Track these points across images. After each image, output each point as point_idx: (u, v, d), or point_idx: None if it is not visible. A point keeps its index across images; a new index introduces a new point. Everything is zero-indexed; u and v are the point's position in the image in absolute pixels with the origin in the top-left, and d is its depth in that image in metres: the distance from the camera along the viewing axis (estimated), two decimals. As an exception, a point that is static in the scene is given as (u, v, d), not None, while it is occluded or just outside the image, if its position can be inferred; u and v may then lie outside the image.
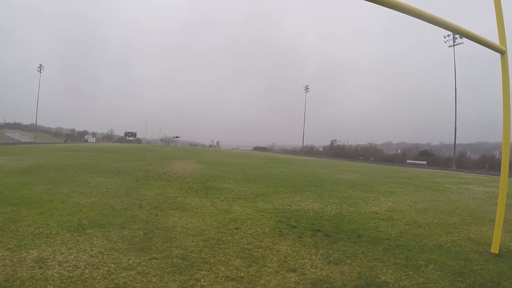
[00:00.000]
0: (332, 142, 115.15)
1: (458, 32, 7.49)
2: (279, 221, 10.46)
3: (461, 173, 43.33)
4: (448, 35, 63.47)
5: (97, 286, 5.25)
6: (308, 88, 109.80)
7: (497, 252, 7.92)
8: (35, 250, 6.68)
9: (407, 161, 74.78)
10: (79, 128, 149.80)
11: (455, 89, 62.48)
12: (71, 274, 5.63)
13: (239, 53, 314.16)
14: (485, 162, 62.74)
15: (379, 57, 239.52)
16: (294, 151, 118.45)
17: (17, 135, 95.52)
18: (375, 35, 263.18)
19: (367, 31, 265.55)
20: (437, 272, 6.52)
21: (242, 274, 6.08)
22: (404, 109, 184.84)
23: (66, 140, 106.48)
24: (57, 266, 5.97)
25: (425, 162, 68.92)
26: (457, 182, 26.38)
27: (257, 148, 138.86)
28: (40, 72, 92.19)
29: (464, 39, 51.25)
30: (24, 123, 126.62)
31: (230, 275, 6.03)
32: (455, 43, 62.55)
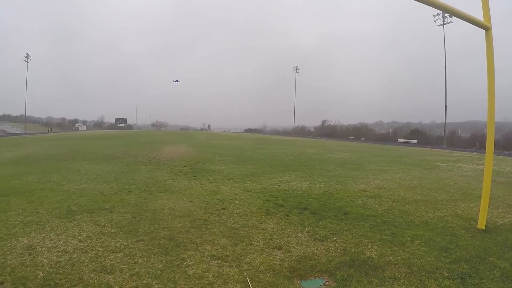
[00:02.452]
0: (323, 122, 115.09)
1: (445, 10, 7.57)
2: (267, 200, 10.64)
3: (452, 151, 43.66)
4: (438, 14, 63.00)
5: (85, 269, 5.39)
6: (298, 69, 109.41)
7: (483, 228, 8.09)
8: (25, 238, 6.79)
9: (398, 140, 74.85)
10: (70, 116, 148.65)
11: (445, 68, 62.41)
12: (59, 259, 5.77)
13: (231, 31, 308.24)
14: (476, 140, 63.02)
15: (371, 36, 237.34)
16: (286, 132, 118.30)
17: (7, 127, 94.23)
18: (368, 14, 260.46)
19: (361, 10, 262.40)
20: (423, 248, 6.69)
21: (227, 253, 6.25)
22: (395, 88, 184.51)
23: (51, 129, 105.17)
24: (46, 252, 6.10)
25: (416, 141, 69.06)
26: (447, 160, 26.68)
27: (248, 130, 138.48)
28: (27, 62, 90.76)
29: (454, 18, 51.19)
30: (14, 115, 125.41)
31: (215, 254, 6.19)
32: (444, 22, 62.34)
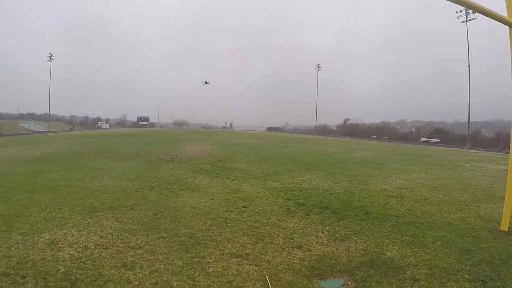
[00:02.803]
0: (345, 120, 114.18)
1: (469, 7, 7.36)
2: (288, 199, 10.54)
3: (475, 151, 42.59)
4: (461, 11, 61.75)
5: (105, 265, 5.42)
6: (319, 67, 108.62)
7: (506, 229, 7.83)
8: (47, 234, 6.88)
9: (421, 139, 73.61)
10: (92, 115, 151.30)
11: (468, 65, 61.05)
12: (81, 255, 5.81)
13: (253, 30, 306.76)
14: (500, 140, 61.46)
15: (394, 33, 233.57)
16: (308, 131, 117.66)
17: (31, 125, 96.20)
18: (388, 9, 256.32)
19: (382, 4, 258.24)
20: (444, 249, 6.52)
21: (247, 251, 6.21)
22: (418, 86, 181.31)
23: (73, 127, 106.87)
24: (67, 247, 6.16)
25: (439, 140, 67.72)
26: (470, 160, 25.85)
27: (270, 129, 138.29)
28: (51, 61, 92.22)
29: (477, 14, 49.98)
30: (38, 113, 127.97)
31: (235, 252, 6.16)
32: (467, 19, 61.05)
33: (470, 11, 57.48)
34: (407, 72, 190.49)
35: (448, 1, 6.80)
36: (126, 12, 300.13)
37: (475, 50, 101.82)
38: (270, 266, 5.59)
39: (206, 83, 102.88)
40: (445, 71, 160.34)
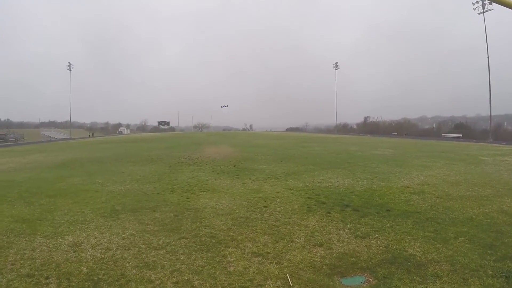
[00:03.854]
0: (366, 118, 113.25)
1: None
2: (309, 197, 10.47)
3: (498, 145, 41.52)
4: (477, 2, 60.59)
5: (127, 265, 5.47)
6: (337, 65, 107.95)
7: (531, 224, 7.62)
8: (70, 236, 6.99)
9: (442, 134, 72.38)
10: (113, 121, 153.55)
11: (488, 57, 59.61)
12: (103, 256, 5.88)
13: (273, 29, 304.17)
14: (523, 133, 59.90)
15: (413, 29, 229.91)
16: (328, 130, 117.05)
17: (52, 133, 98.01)
18: (410, 6, 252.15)
19: (401, 1, 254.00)
20: (467, 245, 6.37)
21: (268, 250, 6.19)
22: (438, 81, 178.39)
23: (92, 134, 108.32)
24: (90, 249, 6.24)
25: (461, 135, 66.39)
26: (492, 154, 25.12)
27: (290, 129, 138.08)
28: (70, 70, 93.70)
29: (494, 5, 48.94)
30: (59, 121, 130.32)
31: (256, 251, 6.14)
32: (484, 10, 59.71)
33: (486, 1, 56.19)
34: (428, 67, 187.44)
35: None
36: (143, 20, 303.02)
37: (495, 41, 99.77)
38: (291, 264, 5.56)
39: (224, 106, 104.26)
40: (466, 65, 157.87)
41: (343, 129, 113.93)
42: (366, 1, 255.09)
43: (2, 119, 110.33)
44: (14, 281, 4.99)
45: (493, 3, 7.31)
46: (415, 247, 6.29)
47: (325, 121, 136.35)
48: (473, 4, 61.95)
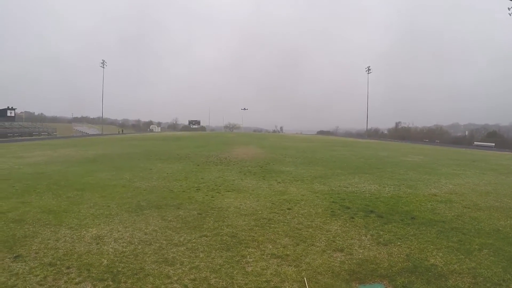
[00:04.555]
0: (397, 124, 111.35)
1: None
2: (333, 202, 10.35)
3: (533, 154, 40.18)
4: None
5: (147, 260, 5.53)
6: (370, 69, 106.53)
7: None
8: (94, 229, 7.12)
9: (474, 143, 70.35)
10: (144, 118, 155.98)
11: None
12: (124, 249, 5.97)
13: (308, 28, 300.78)
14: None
15: (447, 36, 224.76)
16: (359, 134, 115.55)
17: (84, 128, 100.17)
18: (448, 13, 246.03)
19: (441, 6, 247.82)
20: (491, 257, 6.18)
21: (288, 252, 6.15)
22: (472, 88, 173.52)
23: (122, 130, 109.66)
24: (112, 242, 6.35)
25: (493, 144, 64.24)
26: (525, 165, 24.46)
27: (321, 132, 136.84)
28: (103, 67, 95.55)
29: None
30: (91, 117, 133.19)
31: (276, 252, 6.11)
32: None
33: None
34: (462, 74, 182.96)
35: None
36: (178, 20, 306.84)
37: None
38: (310, 268, 5.52)
39: (244, 109, 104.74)
40: (500, 73, 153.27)
41: (374, 134, 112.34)
42: (404, 4, 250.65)
43: (36, 113, 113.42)
44: (36, 268, 5.14)
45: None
46: (438, 257, 6.14)
47: (356, 125, 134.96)
48: (509, 9, 59.97)
